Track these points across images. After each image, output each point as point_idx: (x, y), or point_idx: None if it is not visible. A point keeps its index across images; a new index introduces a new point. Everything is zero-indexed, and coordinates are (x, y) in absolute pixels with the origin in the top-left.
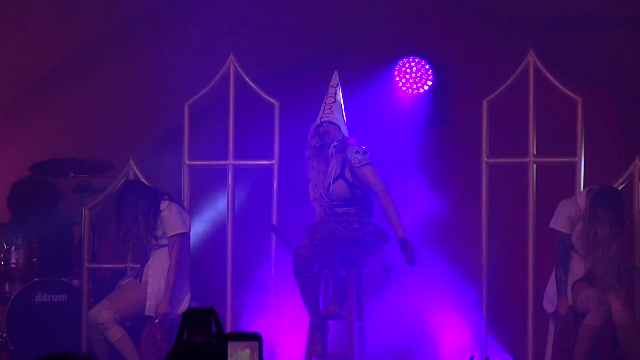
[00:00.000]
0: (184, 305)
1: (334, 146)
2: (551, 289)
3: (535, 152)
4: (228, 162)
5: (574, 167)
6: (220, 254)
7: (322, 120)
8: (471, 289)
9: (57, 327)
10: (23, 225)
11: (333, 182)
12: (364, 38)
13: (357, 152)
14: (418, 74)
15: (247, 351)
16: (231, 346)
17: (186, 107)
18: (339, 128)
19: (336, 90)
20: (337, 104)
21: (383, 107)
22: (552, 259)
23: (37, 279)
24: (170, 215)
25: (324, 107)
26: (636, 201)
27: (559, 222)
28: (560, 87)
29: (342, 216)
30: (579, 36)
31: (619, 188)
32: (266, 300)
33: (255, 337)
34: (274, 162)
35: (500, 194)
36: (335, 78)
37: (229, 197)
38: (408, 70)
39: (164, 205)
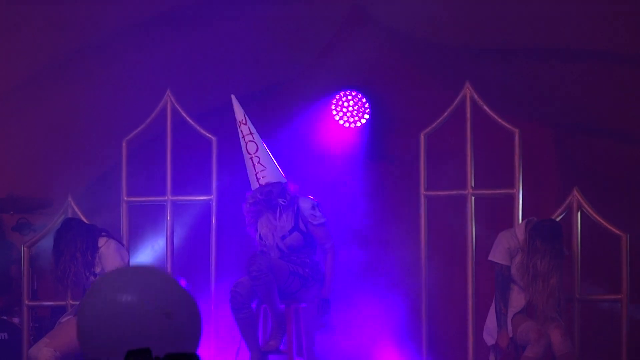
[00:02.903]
0: None
1: (283, 202)
2: (491, 321)
3: (473, 184)
4: (166, 197)
5: (512, 198)
6: None
7: (260, 183)
8: (411, 322)
9: None
10: None
11: (288, 234)
12: (300, 72)
13: (312, 207)
14: (355, 108)
15: None
16: None
17: (124, 144)
18: (279, 181)
19: (250, 129)
20: (261, 150)
21: (321, 141)
22: (491, 291)
23: None
24: (108, 252)
25: (252, 161)
26: (575, 232)
27: (497, 254)
28: (497, 118)
29: (293, 251)
30: (516, 68)
31: (558, 219)
32: (207, 335)
33: (192, 357)
34: (212, 197)
35: (439, 226)
36: (239, 109)
37: (168, 232)
38: (345, 103)
39: (102, 241)
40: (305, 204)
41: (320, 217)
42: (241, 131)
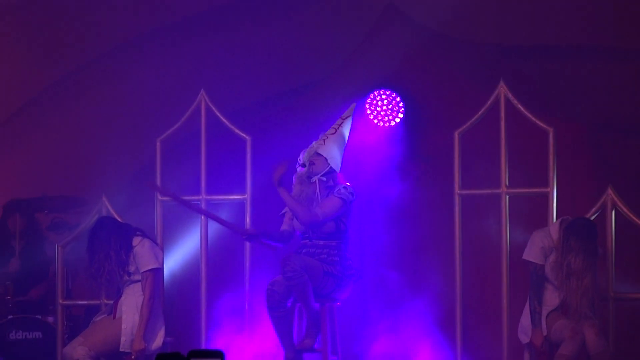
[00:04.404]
0: (158, 340)
1: (319, 178)
2: (526, 319)
3: (507, 183)
4: (201, 197)
5: (546, 197)
6: (194, 287)
7: (313, 145)
8: (446, 320)
9: None
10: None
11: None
12: (335, 71)
13: (344, 187)
14: (389, 107)
15: None
16: None
17: (158, 143)
18: (326, 160)
19: (343, 122)
20: (336, 135)
21: (355, 140)
22: (526, 290)
23: (11, 316)
24: (143, 251)
25: (322, 136)
26: (609, 231)
27: (532, 253)
28: (532, 117)
29: (323, 249)
30: (550, 66)
31: (592, 218)
32: (241, 334)
33: (218, 355)
34: (247, 196)
35: (474, 225)
36: (350, 110)
37: (202, 231)
38: (379, 103)
39: (136, 241)
40: (339, 185)
41: (343, 193)
42: (341, 119)
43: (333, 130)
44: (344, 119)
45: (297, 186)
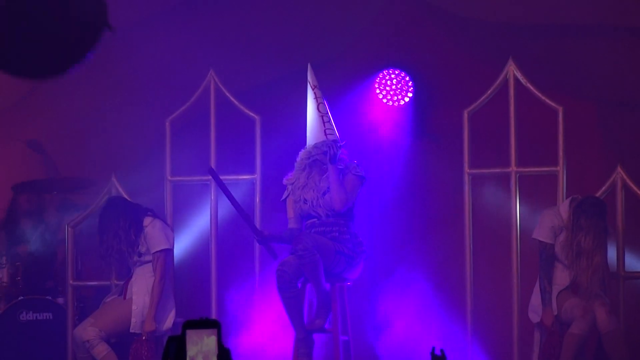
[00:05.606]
0: (169, 322)
1: (340, 167)
2: (536, 299)
3: (516, 162)
4: (210, 177)
5: (556, 176)
6: (204, 268)
7: (327, 137)
8: (455, 300)
9: (43, 346)
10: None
11: (328, 191)
12: (344, 51)
13: (357, 164)
14: (398, 86)
15: (213, 338)
16: (189, 335)
17: (167, 123)
18: (336, 141)
19: (318, 94)
20: (328, 114)
21: (364, 120)
22: (536, 269)
23: (21, 297)
24: (153, 232)
25: (322, 119)
26: (619, 210)
27: (542, 233)
28: (541, 96)
29: (333, 226)
30: (559, 44)
31: (602, 197)
32: (251, 314)
33: (214, 324)
34: (256, 176)
35: (483, 204)
36: (312, 73)
37: (212, 212)
38: (388, 82)
39: (147, 221)
40: (351, 164)
41: (359, 171)
42: (314, 93)
43: (325, 110)
44: (317, 89)
45: (301, 173)
